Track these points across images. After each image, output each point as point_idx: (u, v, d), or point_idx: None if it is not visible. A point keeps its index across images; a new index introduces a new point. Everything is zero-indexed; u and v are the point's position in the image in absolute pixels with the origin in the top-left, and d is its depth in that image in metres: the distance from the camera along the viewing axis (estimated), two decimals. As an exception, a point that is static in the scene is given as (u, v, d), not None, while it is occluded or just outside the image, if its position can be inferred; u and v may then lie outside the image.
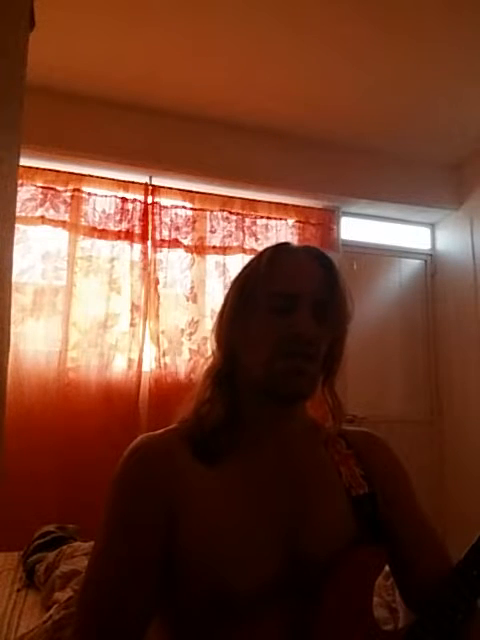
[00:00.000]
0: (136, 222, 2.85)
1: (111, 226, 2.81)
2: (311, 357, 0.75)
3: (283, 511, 0.73)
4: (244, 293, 0.79)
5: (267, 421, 0.77)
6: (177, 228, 2.92)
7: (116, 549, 0.69)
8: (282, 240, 3.04)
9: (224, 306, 0.82)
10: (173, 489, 0.70)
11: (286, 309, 0.75)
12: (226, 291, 0.84)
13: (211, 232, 2.99)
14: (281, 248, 0.82)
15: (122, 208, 2.83)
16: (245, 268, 0.84)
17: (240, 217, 3.06)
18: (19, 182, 2.51)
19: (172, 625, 0.72)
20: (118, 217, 2.82)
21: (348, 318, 0.80)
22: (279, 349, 0.74)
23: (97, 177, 2.82)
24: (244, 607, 0.67)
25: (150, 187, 2.91)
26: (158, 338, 2.78)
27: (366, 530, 0.75)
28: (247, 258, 2.21)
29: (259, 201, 3.11)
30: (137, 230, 2.84)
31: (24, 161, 2.55)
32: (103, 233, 2.79)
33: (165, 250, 2.88)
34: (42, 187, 2.71)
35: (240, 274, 0.83)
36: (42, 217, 2.70)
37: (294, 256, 0.81)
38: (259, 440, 0.77)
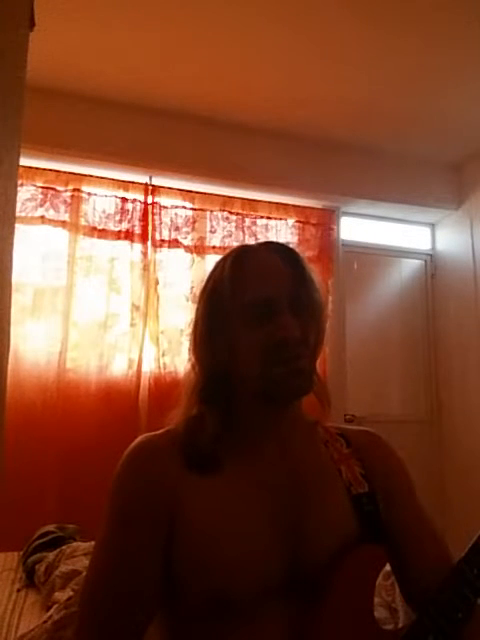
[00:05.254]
0: (136, 222, 2.85)
1: (111, 226, 2.81)
2: (302, 355, 0.74)
3: (283, 511, 0.72)
4: (215, 308, 0.76)
5: (265, 422, 0.77)
6: (177, 228, 2.92)
7: (116, 550, 0.69)
8: (282, 240, 3.04)
9: (196, 323, 0.79)
10: (173, 490, 0.70)
11: (263, 316, 0.73)
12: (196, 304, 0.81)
13: (211, 232, 2.99)
14: (240, 253, 0.79)
15: (122, 208, 2.83)
16: (209, 279, 0.80)
17: (240, 217, 3.06)
18: (19, 182, 2.51)
19: (173, 625, 0.72)
20: (118, 217, 2.82)
21: (324, 305, 0.79)
22: (269, 359, 0.72)
23: (97, 177, 2.82)
24: (245, 608, 0.67)
25: (150, 187, 2.91)
26: (158, 338, 2.78)
27: (367, 529, 0.75)
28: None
29: (259, 201, 3.10)
30: (137, 230, 2.84)
31: (24, 161, 2.55)
32: (103, 233, 2.79)
33: (165, 250, 2.88)
34: (42, 187, 2.71)
35: (206, 286, 0.80)
36: (42, 217, 2.70)
37: (255, 258, 0.78)
38: (258, 441, 0.77)
